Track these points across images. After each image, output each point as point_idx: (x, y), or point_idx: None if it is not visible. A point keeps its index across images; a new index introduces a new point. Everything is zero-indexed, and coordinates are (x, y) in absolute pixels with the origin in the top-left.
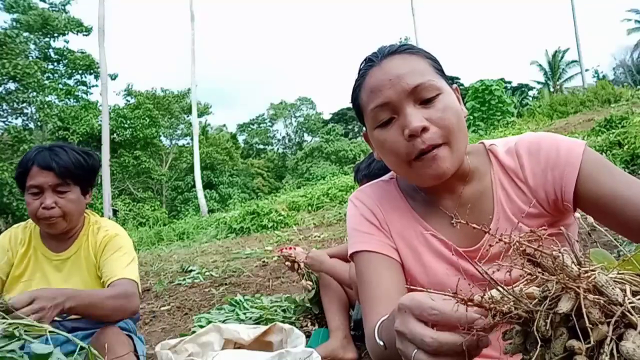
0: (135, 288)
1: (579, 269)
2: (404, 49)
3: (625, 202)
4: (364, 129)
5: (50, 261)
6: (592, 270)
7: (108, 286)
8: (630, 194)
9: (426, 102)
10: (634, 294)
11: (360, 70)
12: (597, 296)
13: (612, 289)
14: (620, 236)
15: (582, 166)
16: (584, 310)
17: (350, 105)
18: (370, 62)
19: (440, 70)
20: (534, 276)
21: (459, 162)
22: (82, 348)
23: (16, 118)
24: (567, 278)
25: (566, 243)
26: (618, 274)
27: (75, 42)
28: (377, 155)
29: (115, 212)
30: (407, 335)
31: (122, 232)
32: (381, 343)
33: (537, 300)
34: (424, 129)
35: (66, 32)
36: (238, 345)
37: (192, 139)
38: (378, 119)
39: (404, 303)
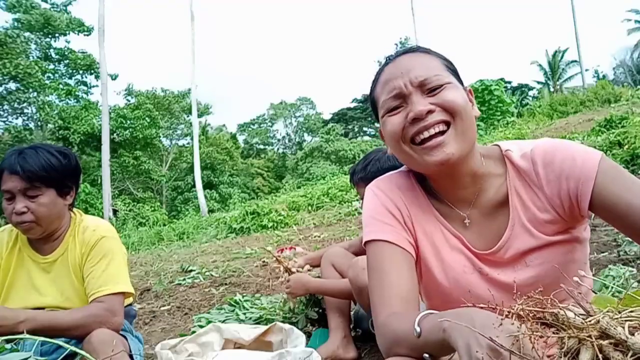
0: (118, 301)
1: (584, 320)
2: (417, 49)
3: (637, 208)
4: (379, 126)
5: (37, 264)
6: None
7: (91, 302)
8: None
9: (433, 91)
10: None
11: (385, 61)
12: (609, 340)
13: (614, 329)
14: (620, 236)
15: (597, 177)
16: (600, 356)
17: (351, 105)
18: (386, 61)
19: (453, 71)
20: (546, 337)
21: (466, 150)
22: (73, 353)
23: (17, 118)
24: (576, 330)
25: (576, 250)
26: (630, 312)
27: (76, 42)
28: (389, 150)
29: (115, 212)
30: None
31: (108, 232)
32: (418, 329)
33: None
34: (429, 112)
35: (67, 32)
36: (238, 345)
37: (192, 139)
38: (387, 107)
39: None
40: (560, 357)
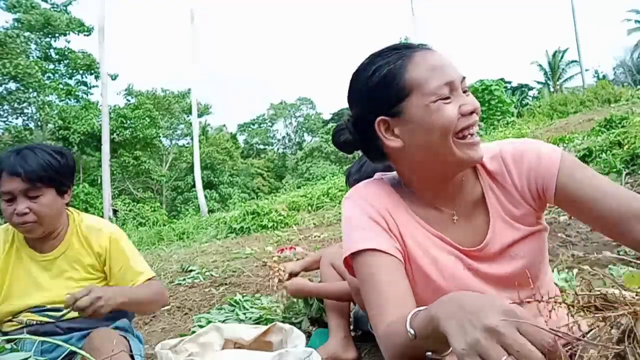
0: (161, 283)
1: (634, 293)
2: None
3: (597, 199)
4: (379, 117)
5: (36, 262)
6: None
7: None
8: (601, 192)
9: (464, 92)
10: None
11: (395, 51)
12: None
13: None
14: None
15: (560, 169)
16: None
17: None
18: (412, 48)
19: None
20: (604, 319)
21: None
22: (73, 352)
23: (17, 118)
24: (631, 307)
25: (545, 239)
26: None
27: (76, 42)
28: (397, 144)
29: (115, 212)
30: (506, 340)
31: (114, 228)
32: (412, 332)
33: (617, 339)
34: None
35: (67, 32)
36: (238, 345)
37: (192, 139)
38: (441, 93)
39: (516, 312)
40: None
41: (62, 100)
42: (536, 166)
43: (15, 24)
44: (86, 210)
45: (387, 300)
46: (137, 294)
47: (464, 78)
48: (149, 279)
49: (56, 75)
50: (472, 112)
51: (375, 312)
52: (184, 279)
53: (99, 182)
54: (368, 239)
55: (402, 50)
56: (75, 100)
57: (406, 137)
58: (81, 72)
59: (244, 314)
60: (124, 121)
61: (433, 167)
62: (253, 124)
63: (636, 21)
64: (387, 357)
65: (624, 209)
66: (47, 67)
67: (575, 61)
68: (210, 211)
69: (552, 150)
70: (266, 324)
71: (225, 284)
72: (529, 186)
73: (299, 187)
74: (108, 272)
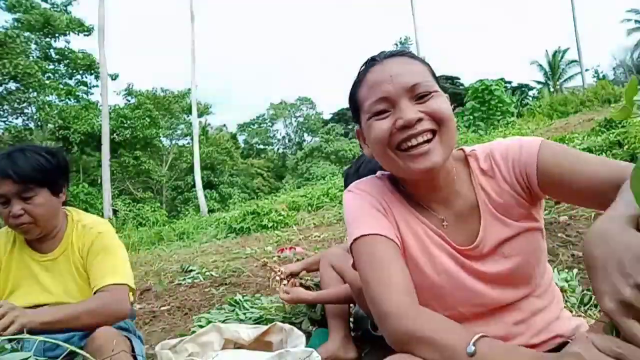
0: (123, 291)
1: None
2: (404, 53)
3: (580, 174)
4: (356, 126)
5: (38, 262)
6: None
7: (95, 293)
8: (584, 167)
9: (421, 98)
10: None
11: (361, 68)
12: None
13: None
14: None
15: (539, 151)
16: None
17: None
18: (372, 61)
19: (435, 78)
20: None
21: (447, 157)
22: (73, 352)
23: (17, 118)
24: None
25: (542, 240)
26: None
27: (76, 42)
28: (368, 152)
29: (115, 212)
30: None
31: (104, 227)
32: (472, 348)
33: None
34: (418, 120)
35: (67, 32)
36: (238, 345)
37: (192, 139)
38: (374, 110)
39: None
40: None
41: (62, 100)
42: (519, 155)
43: (15, 24)
44: (86, 210)
45: (391, 279)
46: (66, 312)
47: (414, 85)
48: (110, 285)
49: (56, 75)
50: (405, 126)
51: (380, 290)
52: (184, 279)
53: (99, 182)
54: (370, 225)
55: (367, 64)
56: (75, 100)
57: (371, 146)
58: (81, 72)
59: (244, 314)
60: (124, 121)
61: (396, 174)
62: (253, 124)
63: (636, 21)
64: (398, 335)
65: (605, 176)
66: (47, 67)
67: (575, 61)
68: (210, 211)
69: (532, 139)
70: (266, 324)
71: (225, 284)
72: (517, 177)
73: (299, 187)
74: (86, 270)
